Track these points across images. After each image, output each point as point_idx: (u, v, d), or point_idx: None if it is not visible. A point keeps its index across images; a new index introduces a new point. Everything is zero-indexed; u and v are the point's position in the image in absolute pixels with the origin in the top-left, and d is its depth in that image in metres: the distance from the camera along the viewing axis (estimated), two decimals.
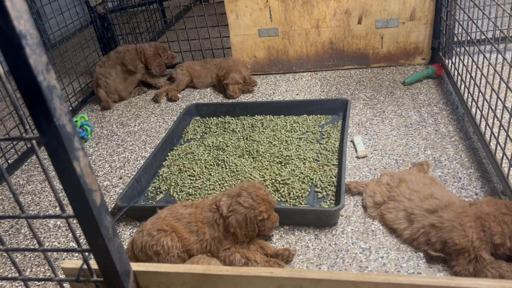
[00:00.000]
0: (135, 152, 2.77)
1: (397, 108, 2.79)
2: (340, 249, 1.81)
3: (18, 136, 0.71)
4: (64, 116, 0.66)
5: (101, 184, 2.50)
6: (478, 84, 2.26)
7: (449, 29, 2.94)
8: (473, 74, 2.34)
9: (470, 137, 2.39)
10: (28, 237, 2.17)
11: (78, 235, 1.85)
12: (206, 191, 2.23)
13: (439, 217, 1.66)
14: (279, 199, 2.11)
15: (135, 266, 0.88)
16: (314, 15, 3.33)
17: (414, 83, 3.08)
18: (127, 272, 0.85)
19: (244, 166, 2.37)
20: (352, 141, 2.50)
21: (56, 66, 4.06)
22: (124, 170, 2.60)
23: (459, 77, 2.66)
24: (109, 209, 2.25)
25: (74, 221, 1.95)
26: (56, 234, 2.15)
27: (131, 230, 2.10)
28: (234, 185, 2.24)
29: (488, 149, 2.10)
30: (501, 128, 1.93)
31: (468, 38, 2.45)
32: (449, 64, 2.93)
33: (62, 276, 0.89)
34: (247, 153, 2.49)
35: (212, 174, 2.36)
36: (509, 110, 1.84)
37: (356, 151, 2.40)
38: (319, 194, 2.11)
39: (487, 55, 2.82)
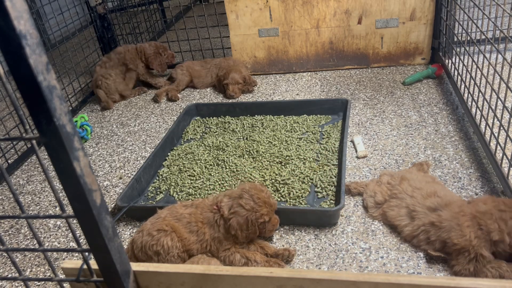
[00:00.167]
0: (135, 152, 2.77)
1: (397, 108, 2.79)
2: (340, 249, 1.81)
3: (18, 136, 0.71)
4: (64, 116, 0.66)
5: (101, 184, 2.50)
6: (478, 84, 2.26)
7: (449, 29, 2.94)
8: (473, 74, 2.34)
9: (470, 137, 2.39)
10: (28, 237, 2.17)
11: (78, 235, 1.85)
12: (206, 191, 2.23)
13: (439, 216, 1.66)
14: (279, 199, 2.11)
15: (135, 266, 0.88)
16: (314, 15, 3.33)
17: (414, 83, 3.08)
18: (127, 272, 0.85)
19: (244, 166, 2.37)
20: (352, 141, 2.50)
21: (56, 66, 4.06)
22: (124, 170, 2.60)
23: (459, 77, 2.65)
24: (109, 209, 2.25)
25: (74, 221, 1.95)
26: (56, 234, 2.15)
27: (131, 230, 2.10)
28: (234, 185, 2.24)
29: (488, 149, 2.09)
30: (501, 128, 1.93)
31: (468, 38, 2.45)
32: (449, 64, 2.93)
33: (62, 276, 0.89)
34: (247, 153, 2.49)
35: (212, 174, 2.36)
36: (509, 110, 1.84)
37: (356, 151, 2.40)
38: (319, 194, 2.11)
39: (487, 55, 2.82)
